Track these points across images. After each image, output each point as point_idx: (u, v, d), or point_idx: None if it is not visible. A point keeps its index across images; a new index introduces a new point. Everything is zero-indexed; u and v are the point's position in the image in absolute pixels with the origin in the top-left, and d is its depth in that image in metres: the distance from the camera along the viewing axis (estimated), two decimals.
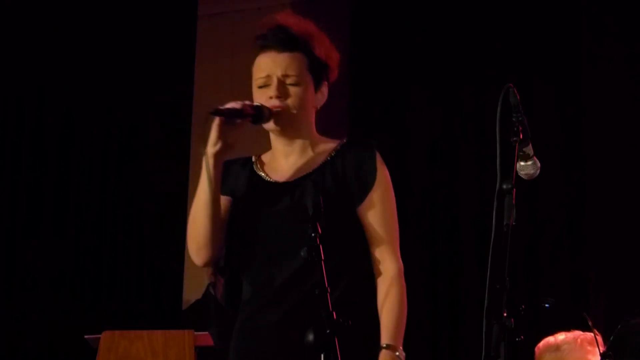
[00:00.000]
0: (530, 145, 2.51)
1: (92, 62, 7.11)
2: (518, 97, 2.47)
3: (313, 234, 2.47)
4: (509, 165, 2.44)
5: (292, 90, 2.81)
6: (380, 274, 2.76)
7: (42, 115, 7.19)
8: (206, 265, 2.90)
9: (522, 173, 2.53)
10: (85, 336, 4.54)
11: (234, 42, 6.41)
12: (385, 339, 2.71)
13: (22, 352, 6.88)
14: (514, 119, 2.48)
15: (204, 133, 2.79)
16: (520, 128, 2.47)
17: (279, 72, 2.81)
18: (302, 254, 2.46)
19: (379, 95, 6.66)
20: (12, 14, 7.09)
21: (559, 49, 6.11)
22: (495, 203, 2.35)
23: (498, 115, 2.43)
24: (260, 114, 2.78)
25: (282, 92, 2.80)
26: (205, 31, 7.10)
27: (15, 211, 7.09)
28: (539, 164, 2.54)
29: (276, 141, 2.90)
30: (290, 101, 2.81)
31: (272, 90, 2.81)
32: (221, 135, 2.74)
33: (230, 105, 2.75)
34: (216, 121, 2.74)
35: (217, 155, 2.76)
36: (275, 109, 2.79)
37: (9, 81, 7.17)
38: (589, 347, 3.75)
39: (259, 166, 2.91)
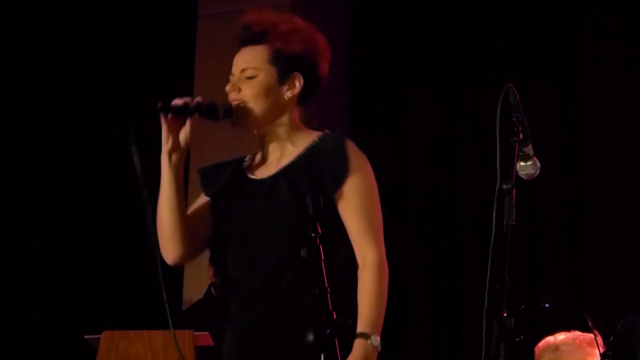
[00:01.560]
0: (530, 145, 2.51)
1: (92, 62, 7.11)
2: (518, 97, 2.47)
3: (313, 234, 2.45)
4: (509, 165, 2.44)
5: (248, 82, 2.78)
6: (359, 263, 2.70)
7: (42, 115, 7.20)
8: (176, 264, 2.84)
9: (522, 173, 2.52)
10: (85, 336, 4.54)
11: (234, 42, 6.40)
12: (359, 327, 2.63)
13: (22, 352, 6.88)
14: (514, 119, 2.47)
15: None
16: (520, 128, 2.47)
17: (238, 68, 2.81)
18: (302, 254, 2.45)
19: (379, 95, 6.66)
20: (12, 14, 7.09)
21: (559, 49, 6.12)
22: (495, 203, 2.35)
23: (498, 115, 2.42)
24: (211, 110, 2.73)
25: (237, 85, 2.79)
26: (205, 31, 7.10)
27: (15, 211, 7.10)
28: (539, 164, 2.54)
29: (257, 140, 2.88)
30: (244, 93, 2.77)
31: (229, 86, 2.80)
32: (169, 133, 2.74)
33: (175, 101, 2.73)
34: (163, 119, 2.73)
35: (169, 154, 2.74)
36: (233, 102, 2.77)
37: (9, 81, 7.17)
38: (588, 348, 3.75)
39: (247, 165, 2.89)
